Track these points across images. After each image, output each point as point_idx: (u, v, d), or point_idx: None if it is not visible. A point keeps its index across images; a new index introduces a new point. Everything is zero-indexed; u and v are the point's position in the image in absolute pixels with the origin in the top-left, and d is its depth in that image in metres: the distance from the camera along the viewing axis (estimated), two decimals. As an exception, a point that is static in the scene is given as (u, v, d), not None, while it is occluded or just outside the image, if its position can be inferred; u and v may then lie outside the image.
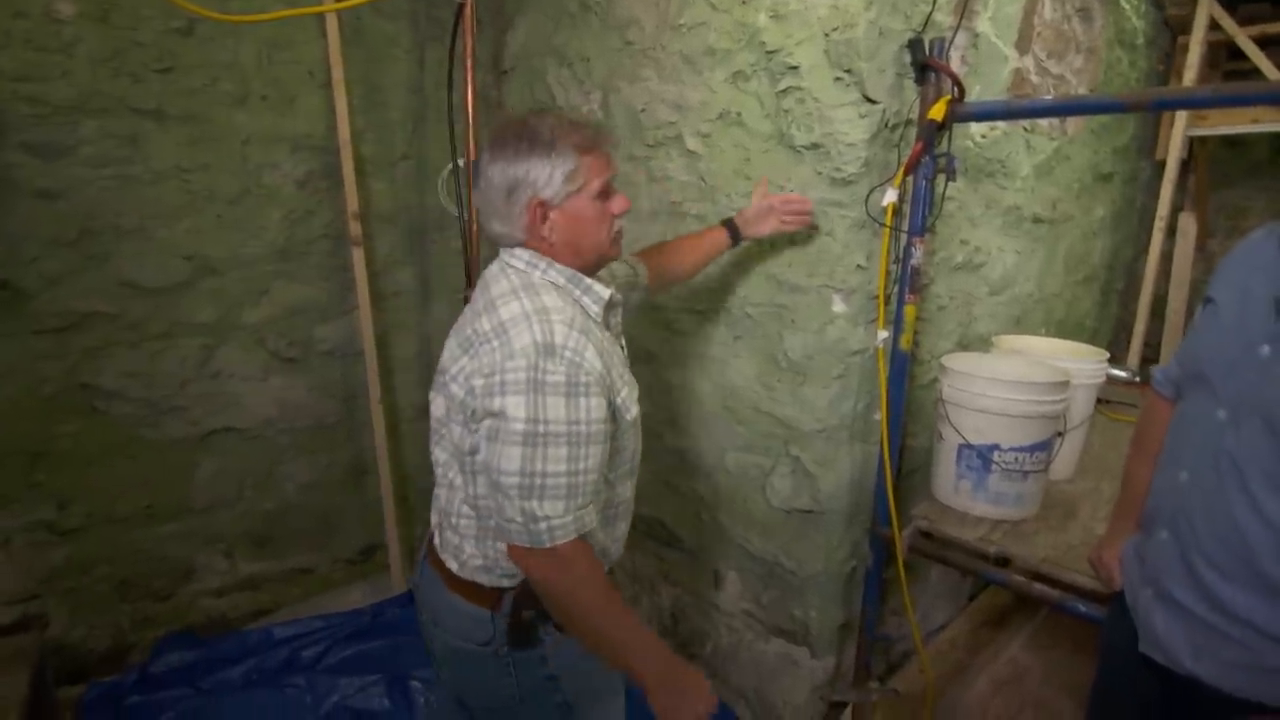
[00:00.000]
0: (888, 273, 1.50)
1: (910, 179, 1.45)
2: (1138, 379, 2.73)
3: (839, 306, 1.56)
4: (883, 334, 1.53)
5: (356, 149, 2.08)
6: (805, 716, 1.79)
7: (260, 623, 2.13)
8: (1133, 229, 3.04)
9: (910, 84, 1.47)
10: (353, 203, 2.06)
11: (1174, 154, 2.76)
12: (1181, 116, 2.74)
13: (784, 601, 1.76)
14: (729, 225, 1.51)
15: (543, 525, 0.93)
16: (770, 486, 1.73)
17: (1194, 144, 2.87)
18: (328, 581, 2.30)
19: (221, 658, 1.96)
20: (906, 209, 1.48)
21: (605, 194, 1.06)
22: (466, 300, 2.12)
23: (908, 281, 1.49)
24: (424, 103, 2.22)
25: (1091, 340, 2.74)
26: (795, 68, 1.49)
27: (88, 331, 1.79)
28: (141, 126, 1.77)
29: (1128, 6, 2.44)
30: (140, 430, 1.91)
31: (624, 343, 1.18)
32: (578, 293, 1.04)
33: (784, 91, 1.52)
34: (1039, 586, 1.39)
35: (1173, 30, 2.83)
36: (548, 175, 1.00)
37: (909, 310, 1.50)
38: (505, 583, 1.06)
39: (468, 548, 1.06)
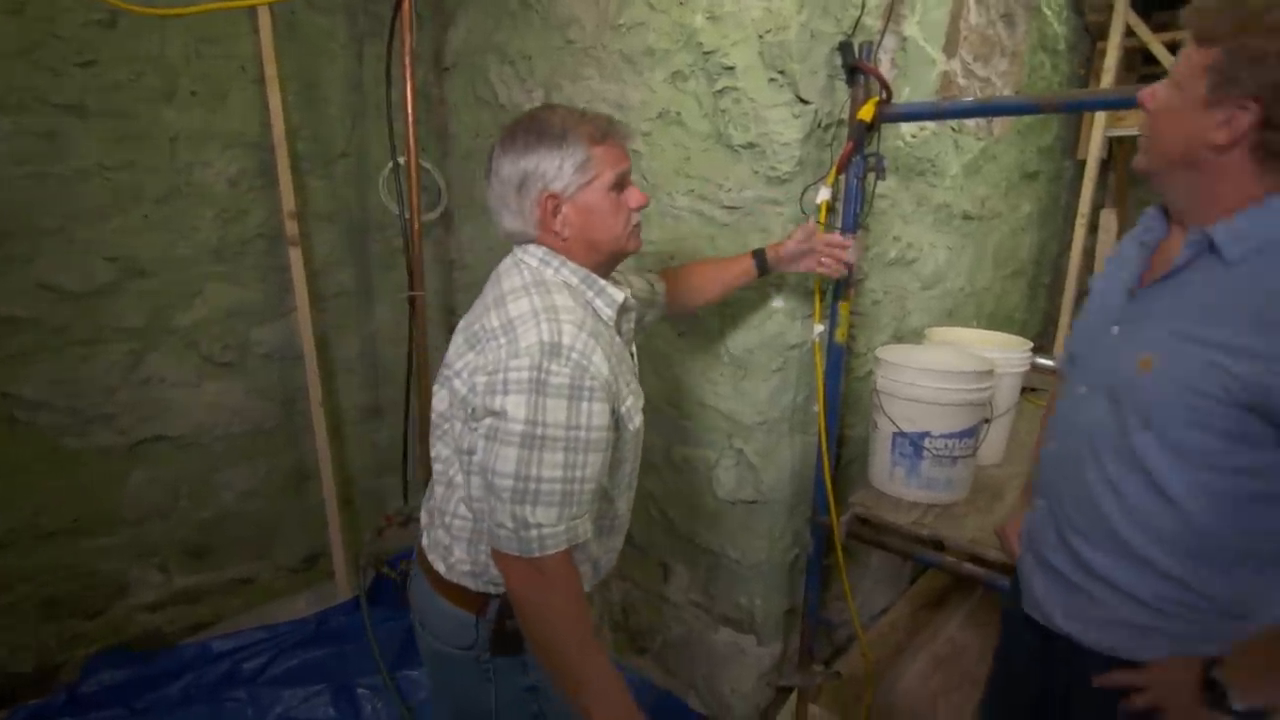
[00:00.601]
0: (823, 268, 1.55)
1: (843, 177, 1.50)
2: (1064, 368, 2.86)
3: (777, 302, 1.60)
4: (819, 328, 1.58)
5: (292, 146, 2.03)
6: (753, 703, 1.84)
7: (199, 636, 2.06)
8: (1058, 225, 3.19)
9: (841, 85, 1.52)
10: (289, 201, 2.01)
11: (1094, 153, 2.91)
12: (1100, 117, 2.90)
13: (730, 591, 1.80)
14: (758, 256, 1.43)
15: (533, 533, 0.90)
16: (715, 479, 1.76)
17: (1113, 144, 3.03)
18: (270, 591, 2.25)
19: (157, 674, 1.89)
20: (840, 206, 1.53)
21: (620, 186, 1.02)
22: (410, 301, 2.11)
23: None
24: (363, 99, 2.19)
25: (1021, 332, 2.87)
26: (731, 68, 1.52)
27: (6, 338, 1.71)
28: (62, 122, 1.69)
29: (1049, 12, 2.57)
30: (65, 440, 1.82)
31: (634, 350, 1.15)
32: (590, 294, 1.01)
33: (721, 91, 1.55)
34: (968, 566, 1.46)
35: (1092, 36, 2.99)
36: (558, 166, 0.97)
37: (843, 305, 1.55)
38: (492, 589, 1.03)
39: (457, 550, 1.03)
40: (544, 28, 1.92)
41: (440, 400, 1.03)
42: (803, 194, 1.51)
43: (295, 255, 2.05)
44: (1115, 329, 0.95)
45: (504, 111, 2.11)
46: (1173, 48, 2.76)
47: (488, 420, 0.92)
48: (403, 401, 2.24)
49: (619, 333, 1.07)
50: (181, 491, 2.03)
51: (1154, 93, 0.88)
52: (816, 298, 1.57)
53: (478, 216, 2.31)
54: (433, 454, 1.07)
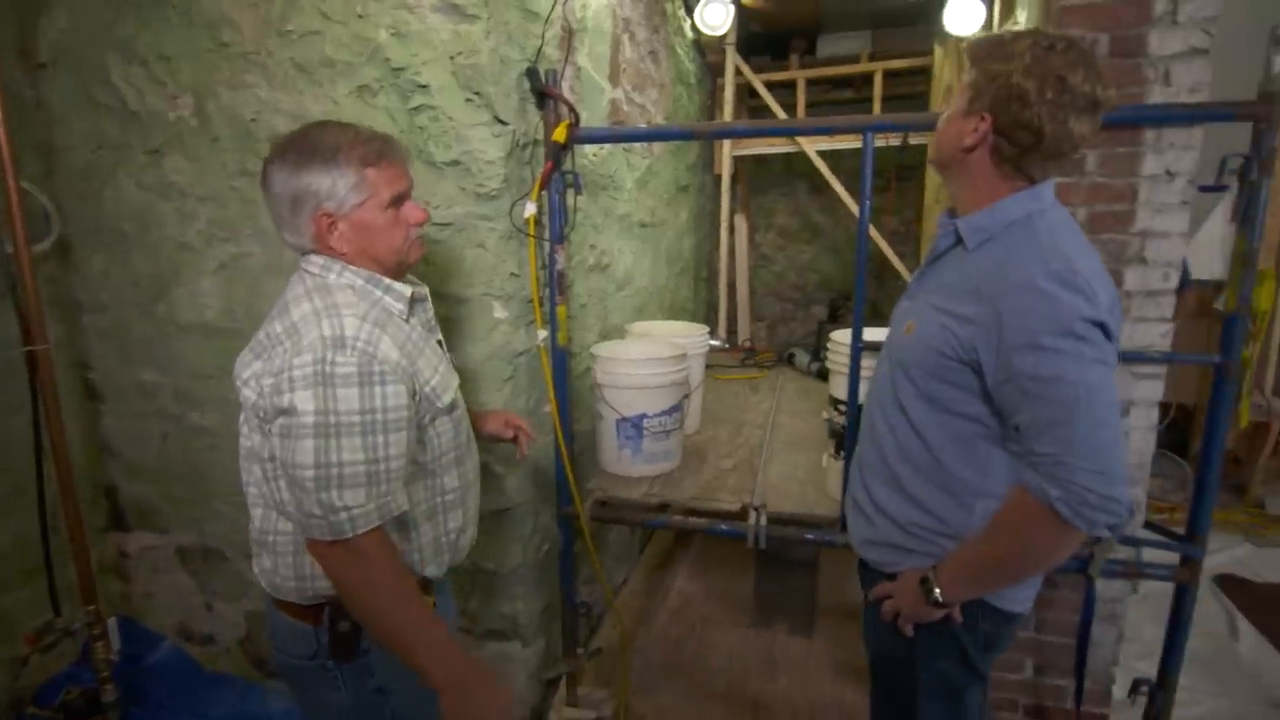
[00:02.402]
0: (538, 278, 1.66)
1: (545, 193, 1.62)
2: (727, 345, 3.48)
3: (500, 313, 1.66)
4: (542, 333, 1.68)
5: None
6: (527, 704, 1.88)
7: None
8: (707, 229, 3.82)
9: (534, 108, 1.64)
10: None
11: (726, 170, 3.56)
12: (727, 141, 3.56)
13: (491, 603, 1.81)
14: None
15: (343, 515, 0.93)
16: (459, 496, 1.75)
17: (737, 162, 3.74)
18: None
19: None
20: (546, 220, 1.65)
21: (397, 203, 1.04)
22: (28, 359, 1.66)
23: (556, 284, 1.66)
24: (-95, 98, 1.63)
25: (693, 319, 3.38)
26: (425, 86, 1.53)
27: None
28: None
29: (681, 52, 3.06)
30: None
31: (441, 337, 1.18)
32: (378, 293, 1.04)
33: (416, 109, 1.55)
34: (692, 520, 1.71)
35: (713, 73, 3.64)
36: (330, 186, 0.98)
37: (560, 310, 1.68)
38: (320, 600, 1.05)
39: (281, 569, 1.05)
40: (185, 26, 1.67)
41: (245, 437, 1.04)
42: (511, 209, 1.59)
43: None
44: (905, 303, 1.17)
45: (137, 119, 1.78)
46: (770, 86, 3.52)
47: (280, 420, 0.94)
48: (29, 487, 1.74)
49: (416, 324, 1.10)
50: None
51: (947, 103, 1.07)
52: (535, 304, 1.67)
53: (112, 245, 1.90)
54: (244, 480, 1.08)
